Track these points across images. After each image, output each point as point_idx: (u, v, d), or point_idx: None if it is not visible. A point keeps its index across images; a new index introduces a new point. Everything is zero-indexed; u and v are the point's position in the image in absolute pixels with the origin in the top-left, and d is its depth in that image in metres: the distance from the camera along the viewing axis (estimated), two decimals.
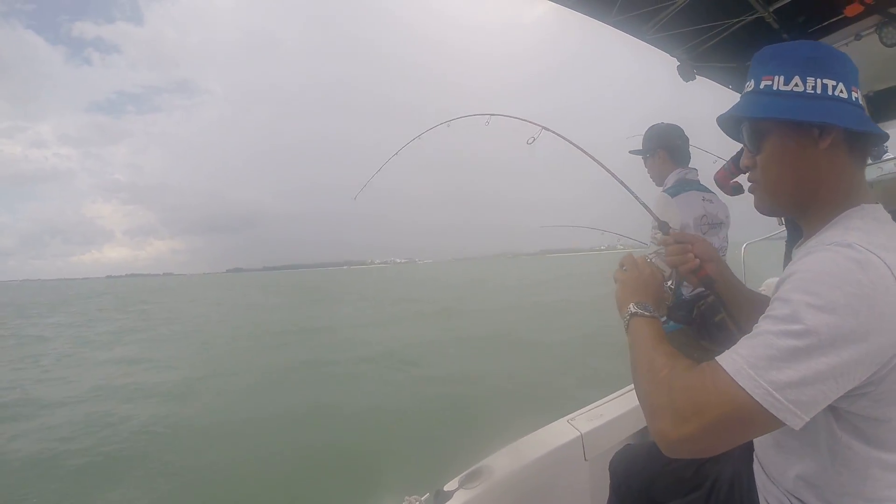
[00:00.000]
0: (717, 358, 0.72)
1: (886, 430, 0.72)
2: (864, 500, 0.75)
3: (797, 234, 2.29)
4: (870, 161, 1.80)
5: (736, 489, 1.08)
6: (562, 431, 1.76)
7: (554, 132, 1.42)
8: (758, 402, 0.65)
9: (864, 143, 0.83)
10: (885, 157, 3.34)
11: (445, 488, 1.48)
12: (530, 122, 1.47)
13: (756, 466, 1.00)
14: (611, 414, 1.88)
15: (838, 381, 0.65)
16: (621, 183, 1.34)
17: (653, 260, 2.06)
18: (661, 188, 2.21)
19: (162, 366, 11.66)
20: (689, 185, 2.18)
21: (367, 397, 7.83)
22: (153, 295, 48.82)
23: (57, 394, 9.24)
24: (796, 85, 0.81)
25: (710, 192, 2.27)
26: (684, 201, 2.07)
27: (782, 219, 2.84)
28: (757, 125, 0.87)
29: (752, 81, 0.86)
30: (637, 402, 2.05)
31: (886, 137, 0.87)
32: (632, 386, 2.19)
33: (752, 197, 0.94)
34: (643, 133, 2.34)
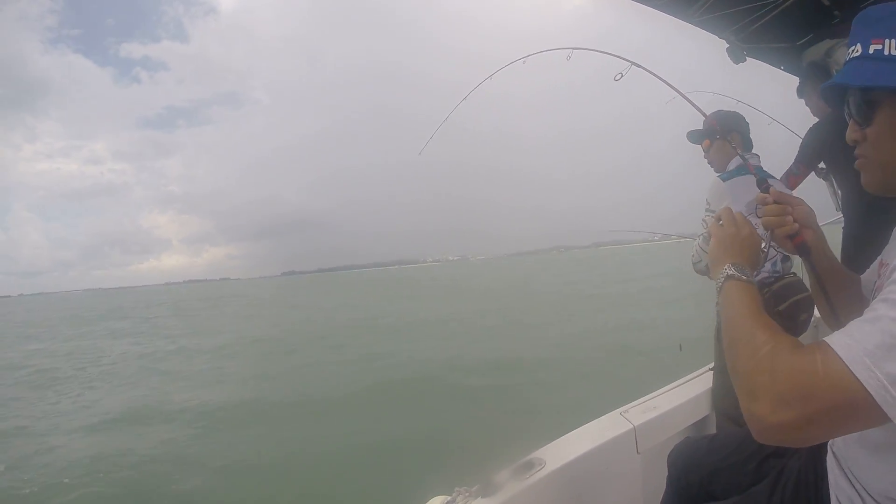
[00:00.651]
0: (829, 340, 0.65)
1: None
2: None
3: (872, 217, 2.15)
4: None
5: (802, 485, 1.03)
6: (614, 423, 1.73)
7: (644, 68, 1.32)
8: (871, 394, 0.59)
9: None
10: None
11: (496, 479, 1.47)
12: (618, 56, 1.35)
13: (831, 463, 0.94)
14: (665, 406, 1.84)
15: None
16: (704, 114, 1.28)
17: (700, 244, 2.00)
18: (718, 174, 2.13)
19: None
20: (747, 169, 2.12)
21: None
22: (222, 300, 49.13)
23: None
24: None
25: (772, 176, 2.17)
26: (738, 184, 1.98)
27: (840, 204, 2.69)
28: (866, 95, 0.79)
29: (859, 45, 0.79)
30: (692, 395, 2.02)
31: None
32: (686, 378, 2.15)
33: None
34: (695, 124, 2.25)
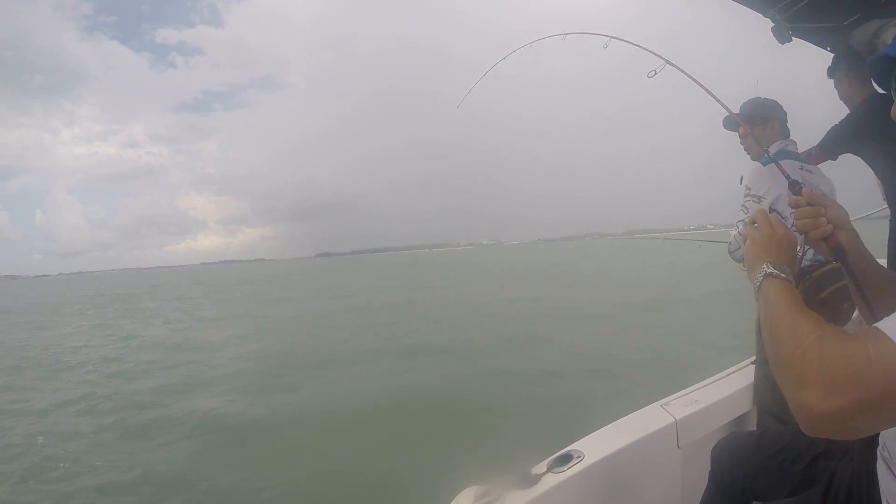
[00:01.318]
0: (880, 326, 0.62)
1: None
2: None
3: None
4: None
5: (855, 490, 1.00)
6: (655, 416, 1.70)
7: (677, 67, 1.33)
8: None
9: None
10: None
11: (533, 471, 1.46)
12: (653, 52, 1.36)
13: (881, 469, 0.90)
14: (707, 400, 1.80)
15: None
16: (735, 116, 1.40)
17: (741, 231, 1.95)
18: (757, 160, 2.09)
19: None
20: (787, 154, 2.06)
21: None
22: (269, 281, 49.66)
23: None
24: None
25: (809, 164, 2.11)
26: (776, 169, 1.94)
27: (885, 196, 2.57)
28: None
29: None
30: (734, 390, 1.97)
31: None
32: (728, 371, 2.11)
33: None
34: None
